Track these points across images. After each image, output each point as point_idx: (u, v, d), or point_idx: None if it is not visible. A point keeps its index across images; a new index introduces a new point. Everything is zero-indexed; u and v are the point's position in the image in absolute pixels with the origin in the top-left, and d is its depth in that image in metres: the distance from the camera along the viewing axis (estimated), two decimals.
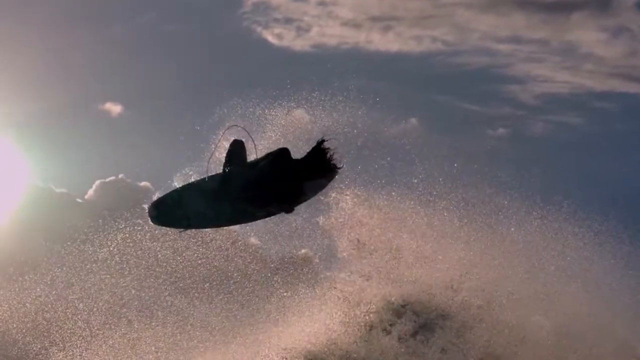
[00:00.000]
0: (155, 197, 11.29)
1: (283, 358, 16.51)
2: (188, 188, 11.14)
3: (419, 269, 16.71)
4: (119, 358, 18.30)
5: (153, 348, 18.19)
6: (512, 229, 17.12)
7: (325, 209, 15.11)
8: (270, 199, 10.55)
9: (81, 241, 18.31)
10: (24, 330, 21.20)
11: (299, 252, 18.92)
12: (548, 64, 58.40)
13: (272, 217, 11.30)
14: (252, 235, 17.07)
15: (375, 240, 16.53)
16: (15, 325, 21.43)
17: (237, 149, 11.04)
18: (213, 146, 11.34)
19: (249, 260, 19.15)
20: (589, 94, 57.83)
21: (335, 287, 17.34)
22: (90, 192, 39.84)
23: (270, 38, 57.11)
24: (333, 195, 14.24)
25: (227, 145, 11.21)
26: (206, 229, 12.38)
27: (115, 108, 57.01)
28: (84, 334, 19.19)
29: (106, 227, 17.22)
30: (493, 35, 58.78)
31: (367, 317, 16.75)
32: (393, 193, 16.15)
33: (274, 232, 15.17)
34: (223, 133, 11.38)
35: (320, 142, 10.96)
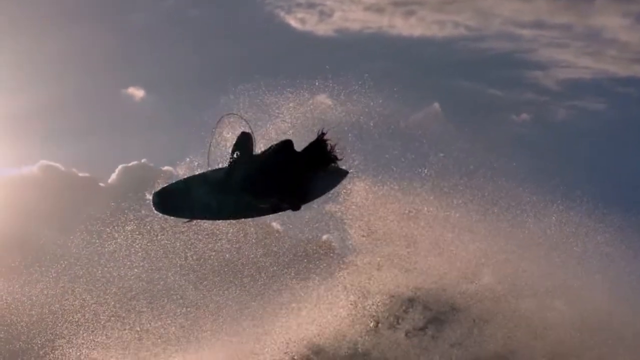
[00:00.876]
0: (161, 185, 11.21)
1: (288, 350, 16.47)
2: (194, 178, 11.07)
3: (432, 259, 16.52)
4: (127, 350, 18.28)
5: (160, 340, 18.20)
6: (531, 222, 16.83)
7: (335, 196, 15.02)
8: (271, 191, 10.42)
9: (102, 225, 18.30)
10: (29, 324, 21.34)
11: (322, 238, 18.79)
12: (571, 49, 57.74)
13: (280, 213, 11.26)
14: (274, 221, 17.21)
15: (387, 230, 16.35)
16: (20, 318, 21.61)
17: (243, 142, 10.92)
18: (211, 135, 11.23)
19: (270, 245, 19.10)
20: (612, 80, 57.13)
21: (344, 277, 17.24)
22: (113, 176, 39.95)
23: (293, 23, 56.85)
24: (345, 182, 14.05)
25: (231, 137, 11.18)
26: (210, 221, 12.18)
27: (138, 92, 57.18)
28: (91, 327, 19.23)
29: (126, 212, 17.18)
30: (516, 20, 58.21)
31: (375, 309, 16.71)
32: (408, 183, 15.97)
33: (298, 217, 15.19)
34: (219, 121, 11.27)
35: (321, 135, 10.76)
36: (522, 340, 15.79)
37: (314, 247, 19.15)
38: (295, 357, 16.44)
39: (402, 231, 16.35)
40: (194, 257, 17.83)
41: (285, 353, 16.59)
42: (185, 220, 11.24)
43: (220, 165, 11.11)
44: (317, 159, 10.78)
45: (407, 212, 16.11)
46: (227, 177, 10.80)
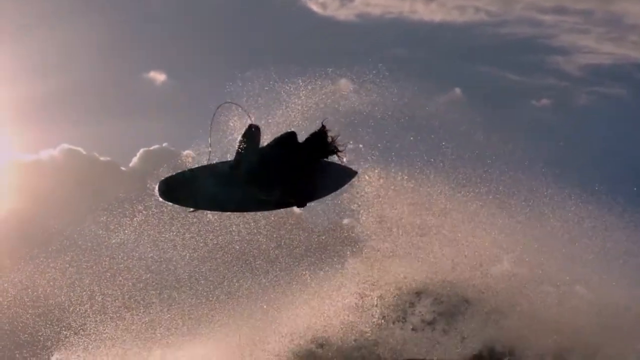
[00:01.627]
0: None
1: (292, 343, 16.42)
2: (201, 169, 11.05)
3: (446, 249, 16.43)
4: (135, 340, 18.29)
5: (169, 332, 18.18)
6: (550, 216, 16.63)
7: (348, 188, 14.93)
8: (274, 183, 10.37)
9: (116, 213, 18.30)
10: (34, 315, 21.45)
11: (343, 222, 18.71)
12: (593, 35, 57.33)
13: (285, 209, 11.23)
14: None
15: (400, 219, 16.23)
16: (26, 310, 21.70)
17: (250, 134, 10.83)
18: (210, 125, 11.17)
19: (284, 236, 19.03)
20: (634, 65, 56.77)
21: (355, 267, 17.23)
22: (135, 160, 40.07)
23: (314, 7, 56.80)
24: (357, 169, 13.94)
25: (233, 126, 11.16)
26: (213, 212, 12.16)
27: (159, 76, 57.28)
28: (99, 317, 19.28)
29: (141, 198, 17.16)
30: (537, 6, 57.95)
31: (383, 301, 16.59)
32: (423, 173, 15.84)
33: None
34: (216, 110, 11.19)
35: (322, 127, 10.66)
36: (539, 333, 15.58)
37: (333, 232, 19.05)
38: (299, 350, 16.35)
39: (416, 221, 16.25)
40: (206, 249, 17.82)
41: (289, 344, 16.55)
42: (190, 209, 11.20)
43: (229, 157, 11.09)
44: (318, 150, 10.65)
45: (421, 202, 16.02)
46: (232, 170, 10.81)
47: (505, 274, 16.44)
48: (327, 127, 10.80)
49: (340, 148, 10.70)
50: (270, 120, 11.84)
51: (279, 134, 10.93)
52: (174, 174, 10.93)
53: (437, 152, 15.90)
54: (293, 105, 12.71)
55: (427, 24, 57.63)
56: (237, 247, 18.04)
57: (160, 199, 10.83)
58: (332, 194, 11.73)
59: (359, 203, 15.73)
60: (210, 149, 11.00)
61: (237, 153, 10.80)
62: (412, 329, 16.25)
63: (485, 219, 16.48)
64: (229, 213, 13.11)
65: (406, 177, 15.62)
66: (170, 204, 10.99)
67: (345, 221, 18.26)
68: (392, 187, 15.60)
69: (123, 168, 40.50)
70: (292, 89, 13.08)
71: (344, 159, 11.01)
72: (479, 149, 16.47)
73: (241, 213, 13.50)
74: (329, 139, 10.66)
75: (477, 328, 15.89)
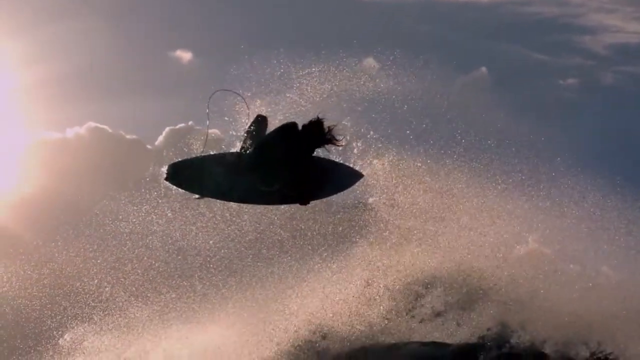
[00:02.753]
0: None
1: (296, 335, 16.34)
2: (211, 157, 10.98)
3: (463, 235, 16.18)
4: (145, 329, 18.41)
5: (179, 322, 18.25)
6: (572, 205, 16.45)
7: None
8: (273, 175, 10.32)
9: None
10: (39, 307, 21.65)
11: (368, 200, 18.64)
12: (620, 14, 56.96)
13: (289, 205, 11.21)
14: None
15: (414, 204, 16.10)
16: (31, 301, 21.92)
17: (258, 124, 10.82)
18: (208, 113, 11.15)
19: (298, 225, 18.95)
20: None
21: (367, 254, 17.08)
22: (160, 138, 40.22)
23: None
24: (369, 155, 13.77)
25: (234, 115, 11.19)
26: (219, 201, 12.07)
27: (185, 55, 57.38)
28: (109, 306, 19.40)
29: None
30: None
31: (391, 291, 16.43)
32: (444, 158, 15.70)
33: None
34: (211, 97, 11.17)
35: (317, 118, 10.51)
36: (558, 328, 15.26)
37: (347, 217, 18.91)
38: (300, 341, 16.24)
39: (432, 207, 16.10)
40: (219, 238, 17.83)
41: (292, 334, 16.47)
42: (196, 196, 11.22)
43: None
44: (313, 138, 10.45)
45: (439, 188, 15.88)
46: (237, 160, 10.76)
47: (531, 253, 16.29)
48: (323, 118, 10.57)
49: (337, 137, 10.49)
50: (282, 105, 11.83)
51: (280, 124, 10.77)
52: (184, 159, 10.94)
53: (457, 136, 15.80)
54: (311, 90, 12.69)
55: (453, 3, 57.41)
56: (251, 236, 18.01)
57: (167, 183, 10.86)
58: (337, 194, 11.65)
59: (373, 189, 15.64)
60: (207, 136, 10.98)
61: (244, 143, 10.81)
62: (421, 321, 16.10)
63: (508, 203, 16.32)
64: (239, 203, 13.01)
65: (419, 163, 15.48)
66: (176, 188, 10.99)
67: (371, 200, 18.16)
68: (408, 173, 15.49)
69: (149, 146, 40.72)
70: (315, 71, 13.05)
71: (340, 147, 10.79)
72: (503, 131, 16.32)
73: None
74: (325, 128, 10.41)
75: (493, 319, 15.59)
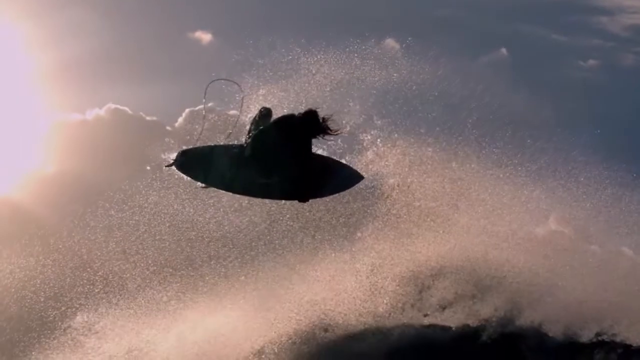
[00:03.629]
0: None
1: (298, 322, 16.40)
2: (220, 147, 11.17)
3: (473, 227, 16.16)
4: (152, 317, 18.62)
5: (190, 310, 18.42)
6: (593, 186, 16.35)
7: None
8: (271, 166, 10.25)
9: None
10: (42, 299, 21.78)
11: (388, 182, 18.59)
12: None
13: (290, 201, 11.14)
14: None
15: (424, 192, 16.00)
16: (47, 283, 22.04)
17: (263, 117, 10.94)
18: (204, 102, 11.19)
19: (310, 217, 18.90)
20: None
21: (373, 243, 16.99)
22: (180, 120, 40.20)
23: None
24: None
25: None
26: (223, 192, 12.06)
27: (205, 36, 57.29)
28: (121, 289, 19.58)
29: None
30: None
31: (398, 280, 16.32)
32: (459, 143, 15.63)
33: None
34: (207, 87, 11.17)
35: (310, 109, 10.44)
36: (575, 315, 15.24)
37: (356, 203, 18.81)
38: (301, 333, 16.27)
39: (443, 195, 15.98)
40: (229, 229, 17.84)
41: (295, 326, 16.52)
42: (202, 185, 11.26)
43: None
44: (309, 129, 10.39)
45: (450, 175, 15.80)
46: (240, 152, 10.86)
47: (551, 233, 16.20)
48: (317, 108, 10.45)
49: (333, 127, 10.36)
50: (294, 91, 11.82)
51: (278, 116, 10.85)
52: (194, 147, 10.97)
53: (474, 121, 15.74)
54: (327, 75, 12.66)
55: None
56: (263, 226, 18.00)
57: (174, 169, 10.90)
58: (336, 194, 11.60)
59: (384, 177, 15.58)
60: (203, 125, 10.97)
61: (247, 135, 10.90)
62: (425, 315, 15.91)
63: (527, 187, 16.22)
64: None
65: (432, 149, 15.39)
66: (183, 175, 11.02)
67: (382, 188, 18.07)
68: (421, 160, 15.42)
69: (168, 128, 40.70)
70: (331, 56, 13.03)
71: (336, 136, 10.62)
72: (522, 113, 16.23)
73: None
74: (320, 118, 10.27)
75: (504, 300, 15.49)
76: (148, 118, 42.48)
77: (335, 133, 10.26)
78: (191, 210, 16.93)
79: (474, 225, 16.25)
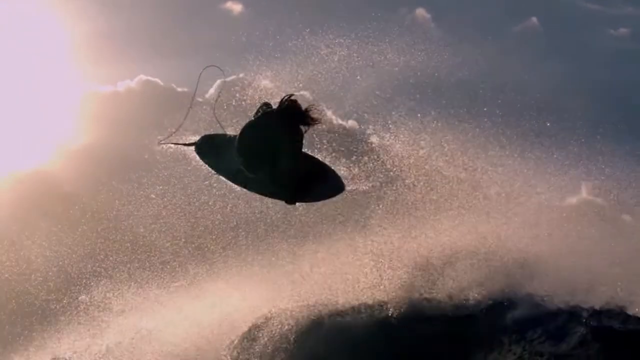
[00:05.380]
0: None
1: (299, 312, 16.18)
2: (234, 137, 10.69)
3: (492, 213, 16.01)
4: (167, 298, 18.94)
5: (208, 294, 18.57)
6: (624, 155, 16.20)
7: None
8: (255, 160, 10.01)
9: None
10: (63, 272, 22.06)
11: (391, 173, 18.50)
12: None
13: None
14: None
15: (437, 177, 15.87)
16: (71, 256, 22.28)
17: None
18: (194, 92, 11.10)
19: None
20: None
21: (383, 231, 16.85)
22: (211, 91, 40.27)
23: None
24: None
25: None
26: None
27: (236, 7, 57.22)
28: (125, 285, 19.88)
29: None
30: None
31: (407, 267, 15.99)
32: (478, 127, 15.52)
33: None
34: (200, 75, 11.06)
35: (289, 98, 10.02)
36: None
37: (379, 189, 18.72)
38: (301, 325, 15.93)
39: (459, 179, 15.82)
40: (242, 218, 17.87)
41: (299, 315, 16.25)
42: (214, 173, 11.09)
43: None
44: (289, 118, 9.88)
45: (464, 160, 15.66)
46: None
47: (584, 203, 16.10)
48: (294, 96, 9.92)
49: (314, 117, 10.07)
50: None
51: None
52: (215, 133, 10.92)
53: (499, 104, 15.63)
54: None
55: None
56: (278, 215, 18.00)
57: (195, 152, 10.84)
58: (322, 201, 11.37)
59: (397, 161, 15.50)
60: (189, 109, 10.90)
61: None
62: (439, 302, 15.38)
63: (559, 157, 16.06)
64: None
65: (451, 131, 15.25)
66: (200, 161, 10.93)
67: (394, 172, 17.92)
68: (442, 142, 15.30)
69: (199, 99, 40.80)
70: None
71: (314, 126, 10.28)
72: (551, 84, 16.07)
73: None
74: (301, 107, 9.84)
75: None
76: (179, 89, 42.66)
77: (314, 123, 9.94)
78: (206, 196, 16.99)
79: (491, 210, 16.22)
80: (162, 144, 11.04)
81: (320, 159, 10.72)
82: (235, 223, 19.41)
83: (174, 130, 10.84)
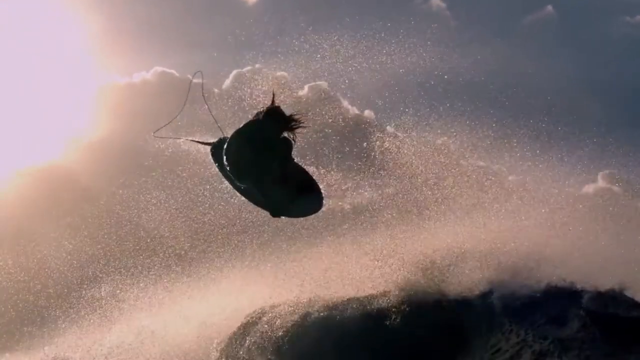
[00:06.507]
0: None
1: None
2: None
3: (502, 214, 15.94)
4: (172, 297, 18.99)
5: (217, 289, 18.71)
6: None
7: None
8: (240, 171, 9.80)
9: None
10: (76, 264, 22.12)
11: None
12: None
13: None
14: None
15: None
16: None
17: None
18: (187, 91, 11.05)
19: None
20: None
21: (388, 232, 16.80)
22: (227, 82, 40.29)
23: None
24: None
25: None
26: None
27: None
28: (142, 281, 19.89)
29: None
30: None
31: (410, 264, 15.85)
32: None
33: None
34: (192, 80, 11.03)
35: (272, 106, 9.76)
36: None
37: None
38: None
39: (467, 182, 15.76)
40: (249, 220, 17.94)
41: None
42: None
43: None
44: (274, 125, 9.61)
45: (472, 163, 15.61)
46: None
47: (601, 190, 16.08)
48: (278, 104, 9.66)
49: (298, 124, 9.58)
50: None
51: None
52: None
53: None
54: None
55: None
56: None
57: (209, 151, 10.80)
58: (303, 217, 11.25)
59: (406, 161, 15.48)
60: (181, 109, 10.87)
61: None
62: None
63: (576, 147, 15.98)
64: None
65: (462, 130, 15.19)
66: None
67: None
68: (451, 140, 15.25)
69: (216, 90, 40.84)
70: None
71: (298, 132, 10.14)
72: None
73: None
74: (284, 114, 9.59)
75: None
76: (195, 81, 42.64)
77: (299, 127, 9.75)
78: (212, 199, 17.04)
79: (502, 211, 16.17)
80: (156, 136, 10.97)
81: (310, 173, 10.47)
82: (241, 227, 19.47)
83: (167, 122, 10.76)
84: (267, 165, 9.59)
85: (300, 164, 10.22)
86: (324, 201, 10.28)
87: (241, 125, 9.64)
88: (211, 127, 10.61)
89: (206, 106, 10.74)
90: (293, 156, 9.80)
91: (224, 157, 9.75)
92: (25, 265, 26.48)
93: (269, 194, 9.81)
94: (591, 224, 15.57)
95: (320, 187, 10.05)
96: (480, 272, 14.96)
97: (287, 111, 9.61)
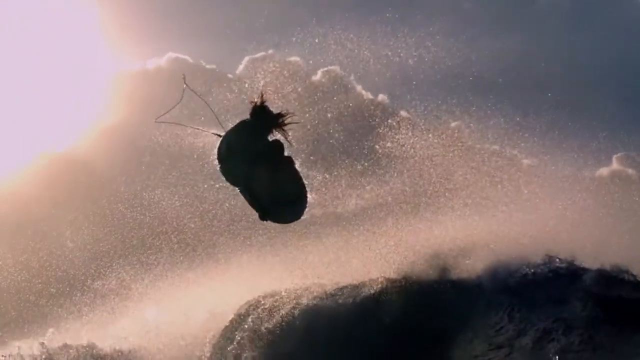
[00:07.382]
0: None
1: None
2: None
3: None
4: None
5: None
6: None
7: None
8: (231, 172, 9.55)
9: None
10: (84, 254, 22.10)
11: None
12: None
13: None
14: None
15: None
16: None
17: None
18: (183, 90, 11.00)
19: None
20: None
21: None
22: (240, 67, 40.29)
23: None
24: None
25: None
26: None
27: None
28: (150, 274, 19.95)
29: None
30: None
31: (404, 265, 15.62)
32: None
33: None
34: (186, 85, 10.98)
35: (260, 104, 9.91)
36: None
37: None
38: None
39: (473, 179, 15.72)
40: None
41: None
42: None
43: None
44: (265, 121, 9.37)
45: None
46: None
47: (616, 173, 16.03)
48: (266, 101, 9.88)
49: (287, 119, 9.76)
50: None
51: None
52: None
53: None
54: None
55: None
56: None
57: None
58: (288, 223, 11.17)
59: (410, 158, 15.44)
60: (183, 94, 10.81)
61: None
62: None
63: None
64: None
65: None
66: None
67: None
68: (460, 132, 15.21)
69: (230, 75, 40.82)
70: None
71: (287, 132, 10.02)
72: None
73: None
74: (272, 112, 9.34)
75: None
76: (208, 66, 42.69)
77: (288, 124, 9.62)
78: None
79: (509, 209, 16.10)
80: (159, 122, 10.90)
81: (302, 179, 9.99)
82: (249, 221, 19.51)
83: (170, 109, 10.70)
84: (254, 171, 9.43)
85: (297, 164, 9.78)
86: (306, 210, 9.91)
87: (231, 126, 9.49)
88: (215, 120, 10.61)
89: (202, 101, 10.65)
90: (293, 157, 9.66)
91: (215, 160, 9.61)
92: (47, 249, 26.78)
93: (257, 199, 9.63)
94: (605, 208, 15.48)
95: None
96: (487, 259, 14.81)
97: (275, 109, 9.41)
